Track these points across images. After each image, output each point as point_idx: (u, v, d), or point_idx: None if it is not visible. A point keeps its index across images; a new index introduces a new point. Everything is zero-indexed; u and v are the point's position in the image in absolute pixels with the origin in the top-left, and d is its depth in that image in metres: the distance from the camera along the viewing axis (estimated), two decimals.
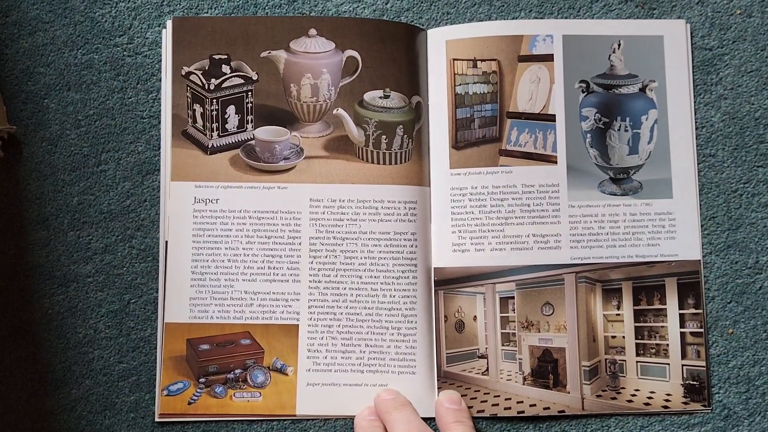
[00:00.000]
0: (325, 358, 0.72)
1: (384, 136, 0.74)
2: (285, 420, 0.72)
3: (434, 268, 0.74)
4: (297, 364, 0.72)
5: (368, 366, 0.72)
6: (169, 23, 0.76)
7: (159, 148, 0.75)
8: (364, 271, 0.72)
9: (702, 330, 0.73)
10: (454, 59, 0.75)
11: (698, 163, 0.74)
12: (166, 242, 0.74)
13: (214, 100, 0.75)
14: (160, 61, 0.76)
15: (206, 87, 0.75)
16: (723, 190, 0.74)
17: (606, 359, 0.72)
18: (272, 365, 0.72)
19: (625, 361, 0.72)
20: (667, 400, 0.72)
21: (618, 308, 0.73)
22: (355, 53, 0.76)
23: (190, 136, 0.75)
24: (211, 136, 0.75)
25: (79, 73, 0.76)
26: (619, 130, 0.75)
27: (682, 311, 0.73)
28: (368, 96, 0.75)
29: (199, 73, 0.75)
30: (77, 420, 0.73)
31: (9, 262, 0.74)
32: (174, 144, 0.75)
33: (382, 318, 0.72)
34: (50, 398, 0.73)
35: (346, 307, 0.72)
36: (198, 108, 0.76)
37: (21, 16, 0.77)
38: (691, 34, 0.76)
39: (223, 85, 0.75)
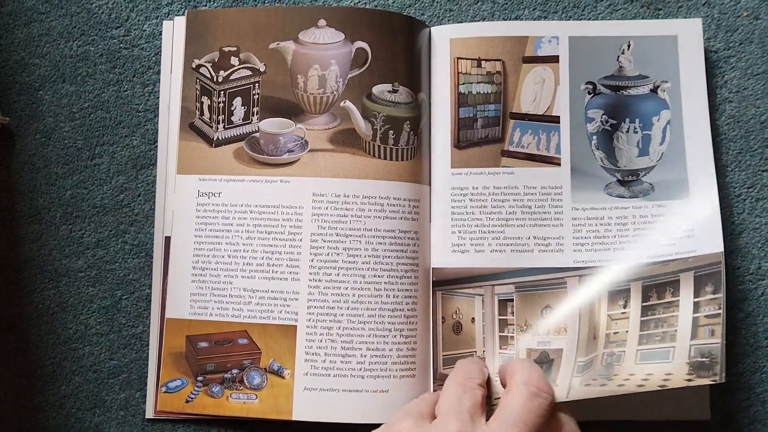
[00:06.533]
0: (324, 361, 0.70)
1: (391, 131, 0.73)
2: (279, 422, 0.71)
3: (433, 268, 0.73)
4: (294, 367, 0.70)
5: (369, 371, 0.70)
6: (180, 18, 0.75)
7: (155, 142, 0.75)
8: (368, 270, 0.71)
9: (720, 311, 0.68)
10: (458, 58, 0.75)
11: None
12: (167, 237, 0.73)
13: (222, 92, 0.74)
14: (158, 53, 0.76)
15: (215, 79, 0.74)
16: (726, 194, 0.74)
17: (604, 353, 0.70)
18: (269, 367, 0.71)
19: (624, 351, 0.70)
20: (666, 380, 0.67)
21: (624, 307, 0.71)
22: (365, 45, 0.74)
23: (197, 128, 0.74)
24: (217, 129, 0.74)
25: (75, 64, 0.75)
26: (627, 131, 0.74)
27: (697, 299, 0.69)
28: (377, 89, 0.74)
29: (209, 65, 0.74)
30: (66, 417, 0.72)
31: None
32: (181, 137, 0.74)
33: (385, 319, 0.70)
34: (39, 394, 0.72)
35: (348, 308, 0.70)
36: (206, 100, 0.75)
37: (17, 6, 0.76)
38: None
39: (231, 77, 0.74)
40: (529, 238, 0.72)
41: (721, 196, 0.73)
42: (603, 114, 0.74)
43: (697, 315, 0.68)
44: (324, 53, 0.74)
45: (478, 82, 0.74)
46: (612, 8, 0.76)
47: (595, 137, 0.74)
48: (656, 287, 0.70)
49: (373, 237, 0.71)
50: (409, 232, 0.72)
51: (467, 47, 0.75)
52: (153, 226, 0.73)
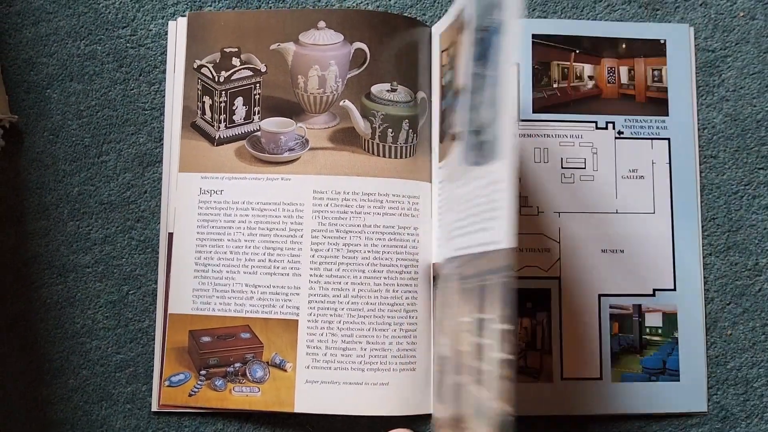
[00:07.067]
0: (325, 355, 0.71)
1: (390, 130, 0.74)
2: (282, 414, 0.72)
3: (434, 263, 0.73)
4: (296, 360, 0.71)
5: (369, 364, 0.71)
6: (183, 19, 0.76)
7: (161, 140, 0.75)
8: (367, 265, 0.72)
9: (507, 371, 0.47)
10: (441, 51, 0.75)
11: (699, 164, 0.74)
12: (171, 234, 0.74)
13: (223, 92, 0.75)
14: (164, 53, 0.76)
15: (216, 79, 0.75)
16: (723, 191, 0.74)
17: (455, 381, 0.57)
18: (271, 360, 0.71)
19: (464, 385, 0.55)
20: None
21: (471, 314, 0.55)
22: (363, 45, 0.75)
23: (199, 127, 0.75)
24: (219, 128, 0.75)
25: (82, 63, 0.76)
26: (488, 77, 0.55)
27: (495, 331, 0.49)
28: (375, 89, 0.75)
29: (210, 66, 0.75)
30: (74, 410, 0.73)
31: (8, 251, 0.74)
32: (183, 135, 0.75)
33: (385, 314, 0.71)
34: (47, 388, 0.73)
35: (348, 303, 0.71)
36: (207, 100, 0.76)
37: (25, 6, 0.76)
38: (695, 35, 0.76)
39: (233, 77, 0.75)
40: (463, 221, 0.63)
41: (719, 194, 0.74)
42: (478, 65, 0.57)
43: (493, 370, 0.48)
44: (323, 54, 0.75)
45: (448, 71, 0.74)
46: (610, 8, 0.76)
47: (470, 96, 0.59)
48: (485, 293, 0.52)
49: (373, 233, 0.72)
50: (408, 228, 0.73)
51: (449, 38, 0.74)
52: (159, 223, 0.74)
